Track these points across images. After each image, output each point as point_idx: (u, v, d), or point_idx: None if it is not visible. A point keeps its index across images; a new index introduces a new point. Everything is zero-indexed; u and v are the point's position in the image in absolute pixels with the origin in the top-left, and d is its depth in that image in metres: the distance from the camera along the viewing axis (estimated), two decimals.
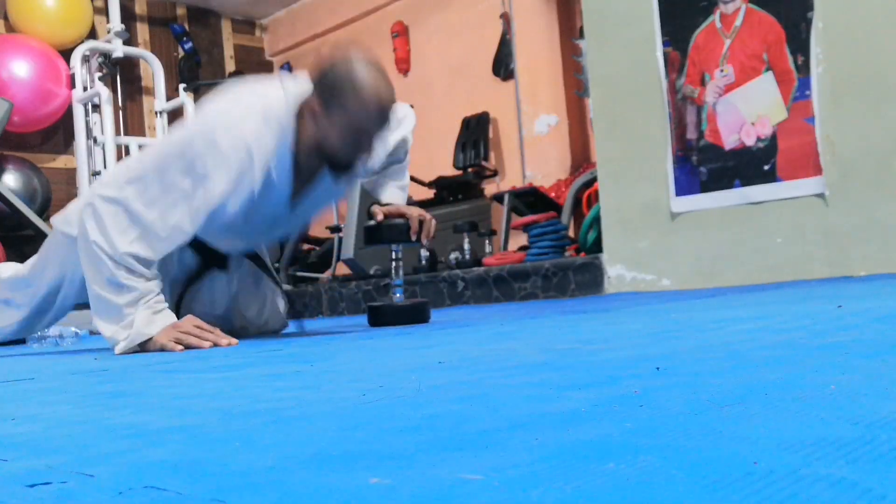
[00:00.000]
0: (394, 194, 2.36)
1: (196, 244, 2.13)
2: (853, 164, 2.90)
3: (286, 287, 4.87)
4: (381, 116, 1.87)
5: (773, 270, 3.09)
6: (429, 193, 5.46)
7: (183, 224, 1.89)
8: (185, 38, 6.09)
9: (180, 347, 1.85)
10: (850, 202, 2.91)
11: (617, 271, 3.50)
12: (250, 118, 1.86)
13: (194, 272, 2.24)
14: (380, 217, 2.26)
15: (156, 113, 5.62)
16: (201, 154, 1.85)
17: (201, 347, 1.86)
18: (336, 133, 1.86)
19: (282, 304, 2.48)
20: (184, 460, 0.53)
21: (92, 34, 5.58)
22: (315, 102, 1.85)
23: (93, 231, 1.88)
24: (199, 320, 1.94)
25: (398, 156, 2.34)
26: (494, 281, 3.82)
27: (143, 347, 1.88)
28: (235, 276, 2.31)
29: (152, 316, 1.89)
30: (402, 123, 2.31)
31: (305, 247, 5.83)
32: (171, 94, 5.66)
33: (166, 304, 1.94)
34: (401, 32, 5.95)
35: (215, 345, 1.87)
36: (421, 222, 2.25)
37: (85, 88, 5.24)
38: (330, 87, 1.83)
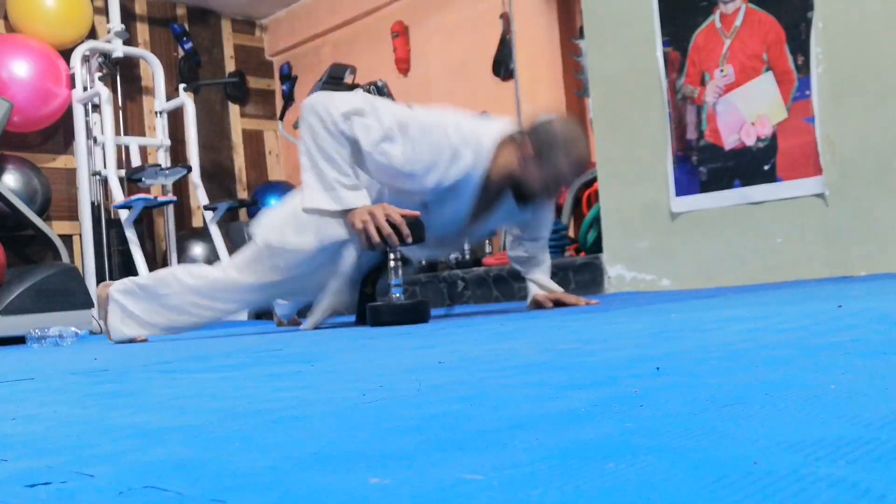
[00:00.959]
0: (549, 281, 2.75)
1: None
2: (853, 164, 2.90)
3: None
4: (578, 173, 2.38)
5: (773, 270, 3.09)
6: None
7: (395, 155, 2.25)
8: (185, 38, 6.08)
9: (374, 234, 2.16)
10: (850, 202, 2.91)
11: (617, 271, 3.50)
12: (462, 137, 2.29)
13: (374, 270, 2.60)
14: (549, 305, 2.62)
15: (156, 113, 5.62)
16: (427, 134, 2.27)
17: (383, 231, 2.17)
18: (539, 175, 2.29)
19: None
20: (184, 460, 0.53)
21: (92, 34, 5.57)
22: (529, 146, 2.28)
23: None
24: (394, 208, 2.22)
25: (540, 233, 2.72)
26: (494, 281, 3.82)
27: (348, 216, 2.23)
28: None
29: (356, 194, 2.24)
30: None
31: None
32: (172, 94, 5.65)
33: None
34: (401, 32, 5.95)
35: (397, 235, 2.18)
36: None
37: (85, 88, 5.24)
38: (547, 139, 2.27)
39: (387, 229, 2.18)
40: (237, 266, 2.58)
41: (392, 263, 2.33)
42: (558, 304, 2.64)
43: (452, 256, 4.69)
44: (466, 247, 4.60)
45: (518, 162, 2.30)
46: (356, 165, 2.30)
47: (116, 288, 2.64)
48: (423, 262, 2.82)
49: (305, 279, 2.54)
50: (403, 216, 2.22)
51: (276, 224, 2.53)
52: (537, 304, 2.67)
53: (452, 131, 2.27)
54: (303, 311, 3.11)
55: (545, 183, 2.31)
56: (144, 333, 2.61)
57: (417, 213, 2.27)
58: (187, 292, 2.54)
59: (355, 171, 2.28)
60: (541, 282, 2.72)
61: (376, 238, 2.18)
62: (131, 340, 2.62)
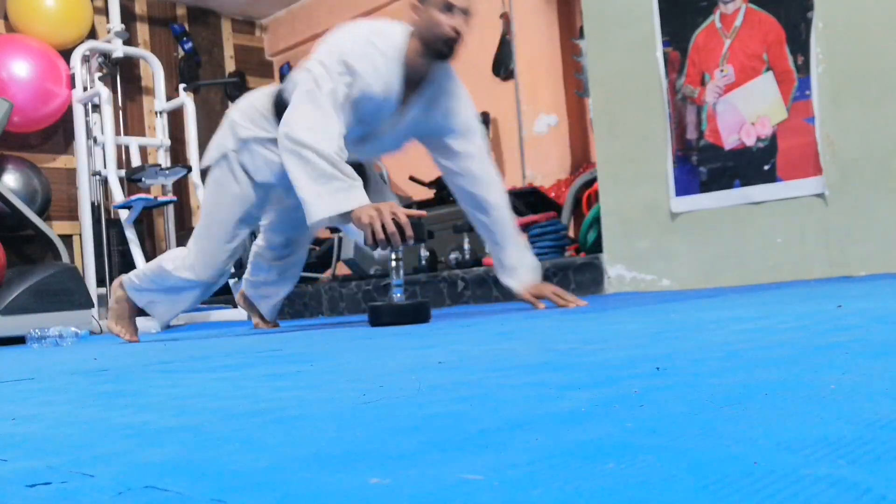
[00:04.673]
0: (526, 275, 2.66)
1: None
2: (853, 164, 2.90)
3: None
4: None
5: (773, 270, 3.09)
6: (429, 193, 5.45)
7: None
8: (185, 38, 6.08)
9: (379, 229, 2.16)
10: (850, 202, 2.91)
11: (617, 271, 3.50)
12: (363, 44, 2.38)
13: None
14: (541, 307, 2.57)
15: (156, 113, 5.62)
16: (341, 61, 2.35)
17: (388, 229, 2.17)
18: (432, 12, 2.35)
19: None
20: (184, 460, 0.53)
21: (92, 34, 5.57)
22: (414, 0, 2.38)
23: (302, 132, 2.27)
24: (399, 207, 2.24)
25: (471, 137, 2.66)
26: (494, 281, 3.82)
27: (346, 218, 2.24)
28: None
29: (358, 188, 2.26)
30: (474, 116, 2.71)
31: None
32: (171, 94, 5.65)
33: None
34: None
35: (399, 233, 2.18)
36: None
37: (85, 88, 5.24)
38: None
39: (391, 227, 2.18)
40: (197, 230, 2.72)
41: (393, 263, 2.33)
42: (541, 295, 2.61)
43: (452, 257, 4.69)
44: (467, 247, 4.60)
45: (413, 21, 2.39)
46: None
47: (130, 287, 2.78)
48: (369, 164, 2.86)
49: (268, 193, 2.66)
50: (409, 216, 2.22)
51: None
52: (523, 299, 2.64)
53: (376, 40, 2.39)
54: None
55: (441, 15, 2.35)
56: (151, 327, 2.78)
57: (423, 213, 2.28)
58: (177, 270, 2.67)
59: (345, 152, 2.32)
60: (519, 275, 2.66)
61: (381, 235, 2.18)
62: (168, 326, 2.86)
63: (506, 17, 5.33)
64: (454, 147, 2.61)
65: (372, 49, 2.37)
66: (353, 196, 2.24)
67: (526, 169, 5.35)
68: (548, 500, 0.37)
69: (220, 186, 2.64)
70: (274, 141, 2.47)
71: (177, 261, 2.67)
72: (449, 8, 2.36)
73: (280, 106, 2.49)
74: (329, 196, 2.23)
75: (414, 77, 2.44)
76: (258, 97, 2.64)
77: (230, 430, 0.64)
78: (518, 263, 2.65)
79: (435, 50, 2.38)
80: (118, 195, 4.90)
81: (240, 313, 4.85)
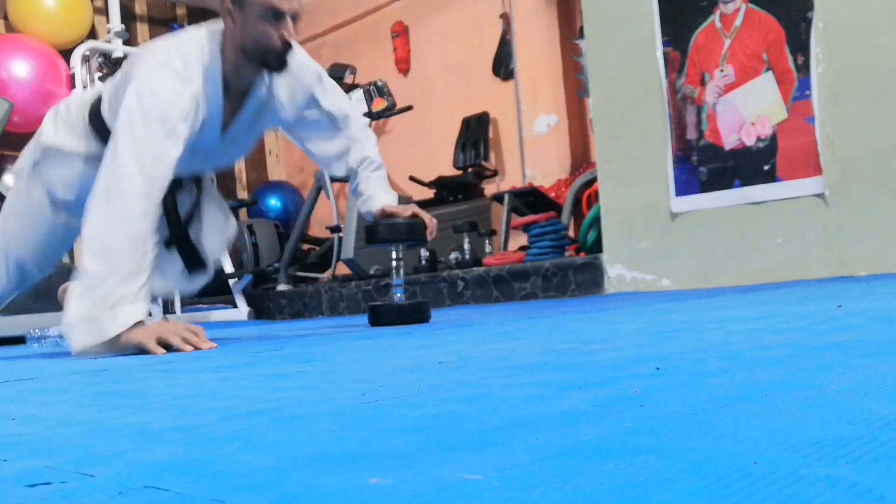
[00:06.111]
0: (384, 198, 2.33)
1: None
2: (853, 164, 2.90)
3: (287, 287, 4.88)
4: None
5: (773, 270, 3.09)
6: (429, 193, 5.46)
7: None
8: None
9: (162, 350, 1.75)
10: (850, 202, 2.91)
11: (617, 271, 3.50)
12: (167, 81, 1.92)
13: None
14: (406, 214, 2.26)
15: None
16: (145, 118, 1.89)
17: (182, 351, 1.76)
18: (254, 20, 1.96)
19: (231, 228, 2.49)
20: (184, 460, 0.53)
21: (92, 34, 5.57)
22: (228, 4, 1.98)
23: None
24: (182, 324, 1.85)
25: (338, 123, 2.33)
26: (494, 281, 3.82)
27: (114, 343, 1.78)
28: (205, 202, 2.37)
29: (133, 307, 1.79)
30: (342, 97, 2.36)
31: (305, 247, 5.83)
32: None
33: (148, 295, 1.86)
34: (401, 32, 5.95)
35: (196, 348, 1.78)
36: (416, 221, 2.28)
37: (85, 88, 5.24)
38: None
39: (183, 336, 1.80)
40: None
41: (394, 263, 2.33)
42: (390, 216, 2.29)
43: (452, 257, 4.69)
44: (467, 247, 4.60)
45: (230, 28, 2.00)
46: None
47: None
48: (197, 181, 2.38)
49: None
50: (408, 216, 2.20)
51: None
52: (385, 215, 2.30)
53: (178, 65, 1.95)
54: None
55: (263, 23, 1.96)
56: None
57: (424, 215, 2.22)
58: None
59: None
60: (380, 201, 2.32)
61: (187, 348, 1.78)
62: None
63: (506, 17, 5.33)
64: (332, 144, 2.34)
65: (179, 84, 1.93)
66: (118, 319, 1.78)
67: (526, 169, 5.35)
68: (548, 500, 0.37)
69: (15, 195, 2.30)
70: (79, 157, 2.14)
71: None
72: (276, 16, 1.95)
73: (96, 122, 2.12)
74: (91, 322, 1.78)
75: (236, 92, 2.08)
76: (79, 101, 2.22)
77: (230, 430, 0.64)
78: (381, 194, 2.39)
79: (263, 63, 2.03)
80: None
81: (240, 313, 4.85)
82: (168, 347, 1.77)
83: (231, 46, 2.01)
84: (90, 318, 1.77)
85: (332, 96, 2.30)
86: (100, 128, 2.10)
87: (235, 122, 2.13)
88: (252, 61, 2.02)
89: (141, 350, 1.76)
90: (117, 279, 1.77)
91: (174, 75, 1.94)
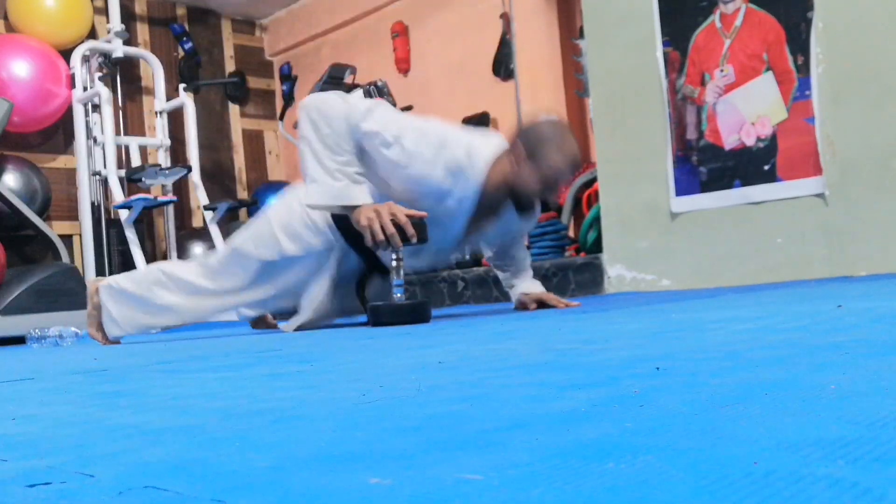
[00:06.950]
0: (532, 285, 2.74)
1: (366, 251, 2.43)
2: (853, 164, 2.90)
3: None
4: (573, 168, 2.34)
5: (773, 270, 3.09)
6: None
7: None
8: (185, 38, 6.08)
9: (378, 227, 2.17)
10: (850, 202, 2.91)
11: (617, 271, 3.50)
12: (460, 147, 2.28)
13: (358, 275, 2.58)
14: (533, 307, 2.64)
15: (156, 113, 5.62)
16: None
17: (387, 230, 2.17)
18: (535, 176, 2.26)
19: None
20: (184, 460, 0.53)
21: (92, 34, 5.57)
22: (521, 149, 2.27)
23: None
24: (398, 207, 2.22)
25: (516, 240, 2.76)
26: (494, 281, 3.82)
27: (353, 213, 2.23)
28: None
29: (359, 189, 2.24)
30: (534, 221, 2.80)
31: None
32: (171, 94, 5.65)
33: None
34: (401, 32, 5.95)
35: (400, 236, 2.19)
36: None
37: (85, 88, 5.24)
38: (536, 139, 2.27)
39: (390, 228, 2.18)
40: (212, 270, 2.60)
41: (394, 263, 2.33)
42: (541, 305, 2.65)
43: (452, 256, 4.69)
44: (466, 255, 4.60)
45: (511, 168, 2.28)
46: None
47: (104, 289, 2.69)
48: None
49: (285, 283, 2.57)
50: (408, 216, 2.22)
51: (264, 234, 2.52)
52: (522, 305, 2.69)
53: (451, 142, 2.27)
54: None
55: (544, 182, 2.28)
56: (120, 335, 2.68)
57: (423, 213, 2.26)
58: (172, 293, 2.58)
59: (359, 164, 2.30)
60: (525, 289, 2.73)
61: (380, 236, 2.19)
62: (117, 341, 2.69)
63: (506, 17, 5.33)
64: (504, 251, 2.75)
65: (463, 155, 2.26)
66: (353, 194, 2.24)
67: None
68: (548, 500, 0.37)
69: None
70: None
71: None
72: (550, 185, 2.31)
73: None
74: (329, 187, 2.23)
75: (485, 206, 2.38)
76: None
77: (230, 430, 0.64)
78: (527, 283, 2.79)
79: (516, 200, 2.39)
80: (118, 195, 4.90)
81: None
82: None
83: (496, 174, 2.30)
84: (333, 180, 2.22)
85: (532, 224, 2.75)
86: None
87: (482, 229, 2.48)
88: (506, 193, 2.35)
89: (362, 230, 2.20)
90: (343, 164, 2.22)
91: (465, 154, 2.29)
